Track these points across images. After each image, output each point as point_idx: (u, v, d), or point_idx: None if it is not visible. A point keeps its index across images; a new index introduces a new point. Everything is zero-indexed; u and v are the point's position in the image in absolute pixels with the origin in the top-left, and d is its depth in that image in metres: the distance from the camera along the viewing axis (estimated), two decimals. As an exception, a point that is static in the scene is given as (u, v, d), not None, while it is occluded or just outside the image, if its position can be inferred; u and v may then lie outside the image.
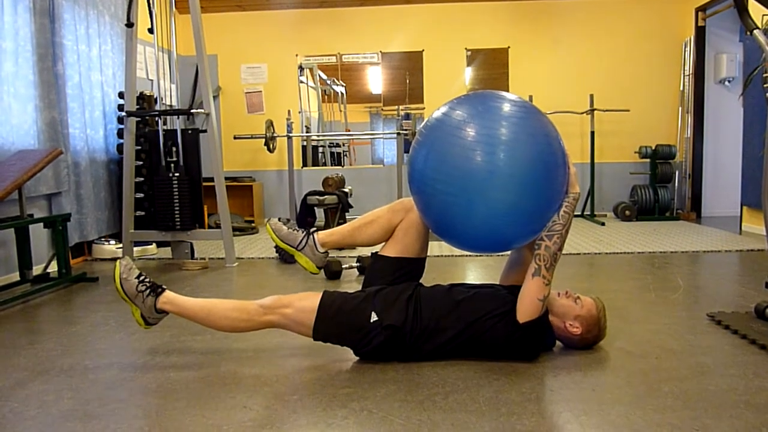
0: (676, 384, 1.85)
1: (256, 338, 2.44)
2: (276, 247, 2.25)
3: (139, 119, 4.58)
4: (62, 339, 2.50)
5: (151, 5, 4.34)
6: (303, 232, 2.27)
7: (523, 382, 1.88)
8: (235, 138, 6.38)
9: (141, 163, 4.67)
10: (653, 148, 6.40)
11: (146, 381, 1.98)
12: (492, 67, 6.92)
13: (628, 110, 6.51)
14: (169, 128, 4.37)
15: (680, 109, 6.67)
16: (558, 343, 2.18)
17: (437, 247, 4.54)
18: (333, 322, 2.05)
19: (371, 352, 2.05)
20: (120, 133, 4.89)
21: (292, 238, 2.26)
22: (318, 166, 7.33)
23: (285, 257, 4.22)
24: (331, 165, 7.62)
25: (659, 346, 2.23)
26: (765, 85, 2.48)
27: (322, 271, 3.66)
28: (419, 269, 2.26)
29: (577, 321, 2.08)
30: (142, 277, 2.15)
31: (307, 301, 2.08)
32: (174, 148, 4.26)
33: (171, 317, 2.62)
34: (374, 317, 2.02)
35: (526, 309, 1.98)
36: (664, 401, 1.72)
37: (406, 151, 6.14)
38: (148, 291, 2.12)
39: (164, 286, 2.17)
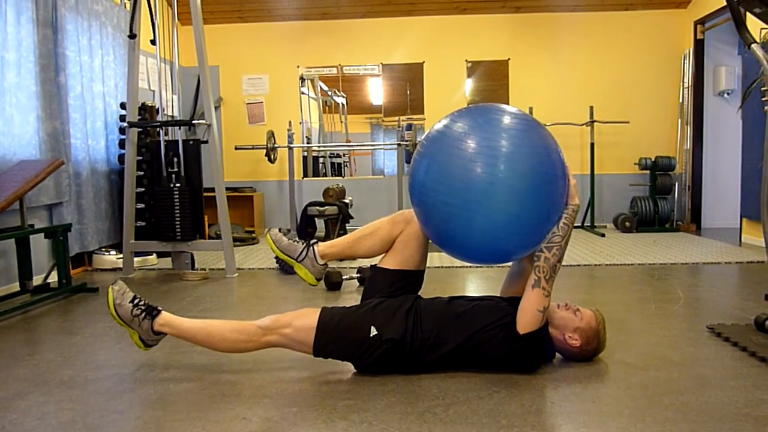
0: (676, 396, 1.85)
1: (257, 350, 2.43)
2: (276, 257, 2.25)
3: (140, 130, 4.60)
4: (62, 350, 2.49)
5: (154, 16, 4.37)
6: (303, 244, 2.27)
7: (524, 394, 1.88)
8: (236, 149, 6.40)
9: (142, 173, 4.68)
10: (653, 159, 6.42)
11: (146, 392, 1.98)
12: (492, 78, 6.95)
13: (627, 122, 6.54)
14: (170, 139, 4.39)
15: (680, 121, 6.70)
16: (558, 355, 2.18)
17: (437, 259, 4.54)
18: (332, 338, 2.04)
19: (372, 365, 2.05)
20: (121, 144, 4.90)
21: (292, 250, 2.26)
22: (319, 176, 7.35)
23: (285, 268, 4.22)
24: (332, 176, 7.64)
25: (659, 358, 2.23)
26: (763, 98, 2.50)
27: (323, 282, 3.66)
28: (418, 281, 2.26)
29: (577, 333, 2.08)
30: (136, 301, 2.13)
31: (305, 319, 2.08)
32: (175, 159, 4.28)
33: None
34: (374, 331, 2.02)
35: (526, 320, 1.98)
36: (665, 413, 1.72)
37: (407, 162, 6.16)
38: (143, 314, 2.11)
39: (160, 308, 2.16)
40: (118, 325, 2.71)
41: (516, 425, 1.66)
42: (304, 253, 2.25)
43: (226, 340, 2.10)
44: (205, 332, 2.12)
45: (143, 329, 2.11)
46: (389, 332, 2.01)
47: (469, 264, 3.87)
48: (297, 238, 2.30)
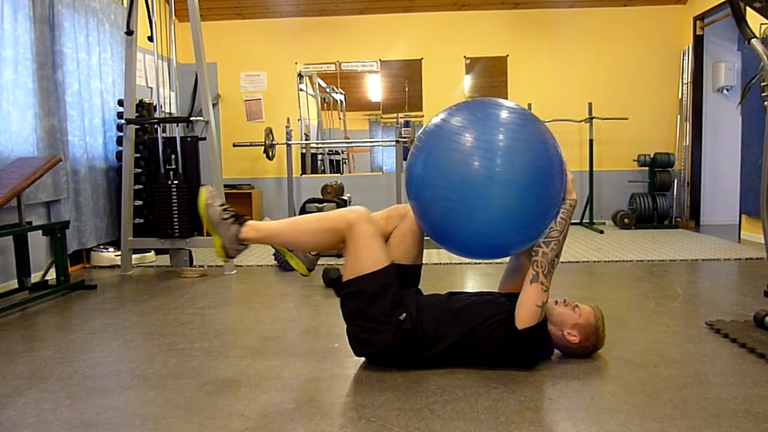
0: (674, 393, 1.85)
1: (254, 347, 2.43)
2: (275, 254, 2.25)
3: (138, 127, 4.59)
4: (60, 347, 2.49)
5: (151, 13, 4.35)
6: None
7: (522, 390, 1.88)
8: (234, 145, 6.39)
9: (140, 170, 4.67)
10: (652, 156, 6.41)
11: (144, 389, 1.97)
12: (491, 75, 6.94)
13: (626, 118, 6.53)
14: (168, 136, 4.38)
15: (679, 117, 6.69)
16: (556, 351, 2.17)
17: (435, 255, 4.54)
18: (377, 287, 2.00)
19: (374, 350, 2.03)
20: (119, 141, 4.90)
21: None
22: (317, 173, 7.34)
23: (283, 264, 4.22)
24: (330, 172, 7.62)
25: (658, 354, 2.22)
26: (763, 94, 2.49)
27: (321, 278, 3.65)
28: (416, 276, 2.26)
29: (575, 329, 2.08)
30: (225, 206, 2.13)
31: (381, 251, 2.04)
32: (173, 156, 4.26)
33: (175, 321, 2.62)
34: (403, 316, 2.01)
35: (524, 316, 1.98)
36: (663, 410, 1.72)
37: (405, 159, 6.15)
38: (232, 219, 2.09)
39: (248, 217, 2.14)
40: (116, 318, 2.71)
41: (514, 421, 1.65)
42: None
43: (310, 232, 2.06)
44: (290, 227, 2.10)
45: (229, 234, 2.08)
46: (408, 323, 2.01)
47: (466, 260, 3.87)
48: None
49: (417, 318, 2.04)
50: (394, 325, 1.99)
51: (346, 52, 6.91)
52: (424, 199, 2.00)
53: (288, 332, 2.66)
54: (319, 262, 2.31)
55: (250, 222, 2.11)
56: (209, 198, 2.11)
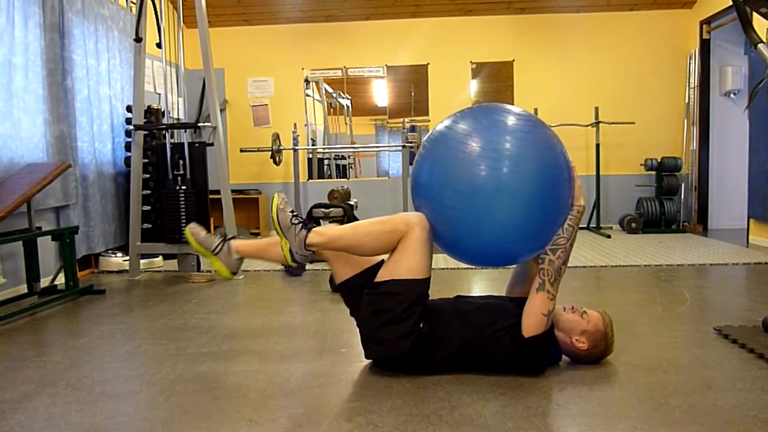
0: (682, 398, 1.84)
1: (262, 352, 2.44)
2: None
3: (146, 132, 4.61)
4: (69, 351, 2.51)
5: (160, 20, 4.39)
6: (219, 238, 2.32)
7: (529, 396, 1.88)
8: (241, 151, 6.41)
9: (148, 176, 4.68)
10: (659, 160, 6.40)
11: (153, 394, 1.99)
12: (497, 80, 6.94)
13: (633, 123, 6.51)
14: (176, 141, 4.40)
15: (685, 121, 6.67)
16: (565, 357, 2.17)
17: (442, 260, 4.54)
18: (415, 295, 2.01)
19: (390, 353, 2.03)
20: (128, 147, 4.93)
21: (208, 243, 2.30)
22: (323, 178, 7.36)
23: (290, 271, 4.22)
24: (337, 177, 7.64)
25: (666, 360, 2.22)
26: (770, 99, 2.49)
27: (328, 282, 3.65)
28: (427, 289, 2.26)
29: (584, 336, 2.07)
30: (295, 213, 2.16)
31: (429, 261, 2.04)
32: (181, 161, 4.29)
33: (180, 324, 2.64)
34: (422, 326, 2.02)
35: (531, 324, 1.98)
36: (671, 416, 1.71)
37: (412, 164, 6.16)
38: (301, 225, 2.12)
39: (313, 225, 2.17)
40: (125, 323, 2.72)
41: (521, 427, 1.65)
42: (219, 247, 2.30)
43: (372, 234, 2.06)
44: (352, 230, 2.11)
45: (298, 240, 2.10)
46: (425, 328, 2.02)
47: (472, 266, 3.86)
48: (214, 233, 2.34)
49: (428, 322, 2.05)
50: (416, 333, 2.00)
51: (352, 58, 6.94)
52: (432, 208, 2.00)
53: (295, 337, 2.67)
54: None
55: (315, 228, 2.14)
56: (281, 203, 2.15)
